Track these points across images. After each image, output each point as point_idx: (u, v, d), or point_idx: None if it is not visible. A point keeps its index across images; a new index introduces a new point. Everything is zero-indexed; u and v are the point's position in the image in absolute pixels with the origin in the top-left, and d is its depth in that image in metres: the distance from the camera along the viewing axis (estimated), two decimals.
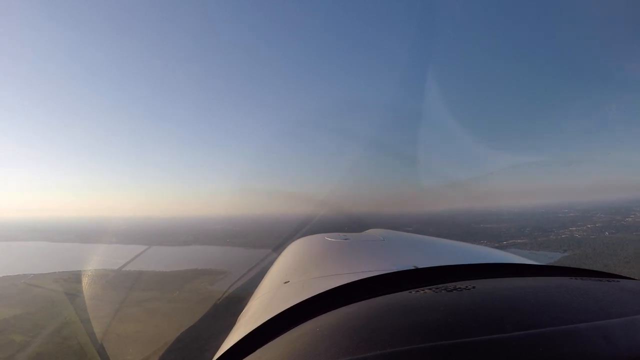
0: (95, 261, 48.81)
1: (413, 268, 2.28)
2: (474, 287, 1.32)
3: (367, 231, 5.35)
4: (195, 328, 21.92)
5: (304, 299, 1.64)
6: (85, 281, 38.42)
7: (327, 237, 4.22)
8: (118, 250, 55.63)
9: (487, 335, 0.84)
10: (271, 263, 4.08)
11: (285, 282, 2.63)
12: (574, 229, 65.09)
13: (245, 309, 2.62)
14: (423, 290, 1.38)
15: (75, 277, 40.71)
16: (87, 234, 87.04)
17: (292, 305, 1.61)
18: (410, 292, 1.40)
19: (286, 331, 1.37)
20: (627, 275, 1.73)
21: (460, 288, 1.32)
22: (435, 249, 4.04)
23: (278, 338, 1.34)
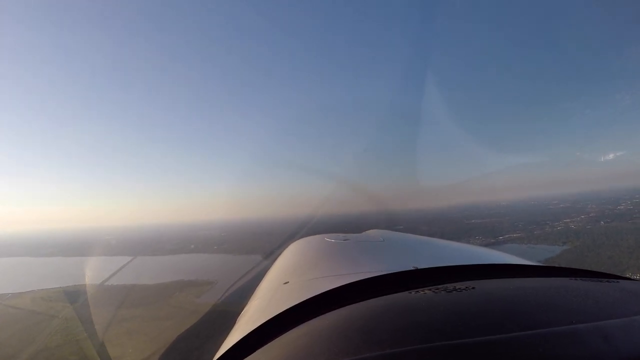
0: (77, 276, 47.35)
1: (413, 269, 2.22)
2: (473, 288, 1.33)
3: (366, 232, 5.28)
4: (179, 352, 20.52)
5: (303, 299, 1.63)
6: (64, 300, 37.16)
7: (327, 238, 4.18)
8: (102, 262, 54.07)
9: (486, 335, 0.85)
10: (262, 270, 4.03)
11: (285, 283, 2.60)
12: (568, 220, 64.70)
13: (245, 309, 2.58)
14: (423, 291, 1.38)
15: (55, 296, 39.50)
16: (71, 247, 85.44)
17: (291, 306, 1.60)
18: (410, 292, 1.40)
19: (286, 332, 1.36)
20: (634, 268, 1.75)
21: (459, 289, 1.33)
22: (435, 249, 3.99)
23: (277, 339, 1.33)
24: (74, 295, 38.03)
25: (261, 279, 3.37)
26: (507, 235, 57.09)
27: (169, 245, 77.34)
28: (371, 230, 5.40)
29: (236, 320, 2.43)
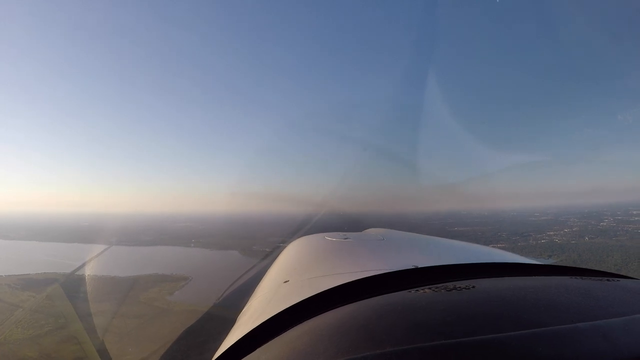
0: (48, 263, 45.90)
1: (413, 267, 2.27)
2: (473, 287, 1.35)
3: (366, 230, 5.34)
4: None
5: (303, 298, 1.64)
6: (31, 288, 35.74)
7: (327, 237, 4.18)
8: (76, 250, 52.52)
9: (486, 334, 0.85)
10: (261, 269, 4.02)
11: (285, 282, 2.60)
12: (551, 233, 64.64)
13: (245, 308, 2.59)
14: (423, 289, 1.41)
15: (20, 283, 38.12)
16: (47, 231, 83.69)
17: (291, 304, 1.61)
18: (410, 291, 1.42)
19: (286, 330, 1.38)
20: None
21: (459, 287, 1.35)
22: (435, 248, 4.04)
23: (278, 337, 1.35)
24: (42, 284, 36.73)
25: (259, 278, 3.37)
26: (490, 245, 54.98)
27: (146, 235, 75.69)
28: (371, 229, 5.48)
29: (236, 318, 2.41)
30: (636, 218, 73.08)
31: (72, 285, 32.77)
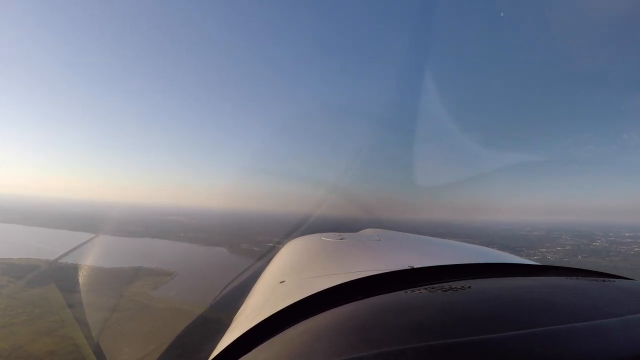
0: (31, 248, 44.89)
1: (409, 268, 2.26)
2: (469, 287, 1.35)
3: (363, 231, 5.29)
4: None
5: (299, 298, 1.64)
6: (10, 274, 34.86)
7: (323, 237, 4.11)
8: (61, 237, 51.70)
9: (482, 335, 0.85)
10: (257, 269, 4.10)
11: (281, 282, 2.55)
12: (544, 250, 64.56)
13: (242, 308, 2.55)
14: (419, 289, 1.41)
15: (2, 267, 37.05)
16: (35, 216, 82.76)
17: (288, 305, 1.61)
18: (406, 291, 1.42)
19: (282, 331, 1.38)
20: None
21: (455, 288, 1.35)
22: (431, 248, 4.05)
23: (274, 338, 1.35)
24: (24, 270, 35.80)
25: (256, 279, 3.33)
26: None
27: (135, 227, 74.75)
28: (367, 229, 5.41)
29: (232, 319, 2.36)
30: (629, 240, 73.59)
31: (53, 273, 31.99)
